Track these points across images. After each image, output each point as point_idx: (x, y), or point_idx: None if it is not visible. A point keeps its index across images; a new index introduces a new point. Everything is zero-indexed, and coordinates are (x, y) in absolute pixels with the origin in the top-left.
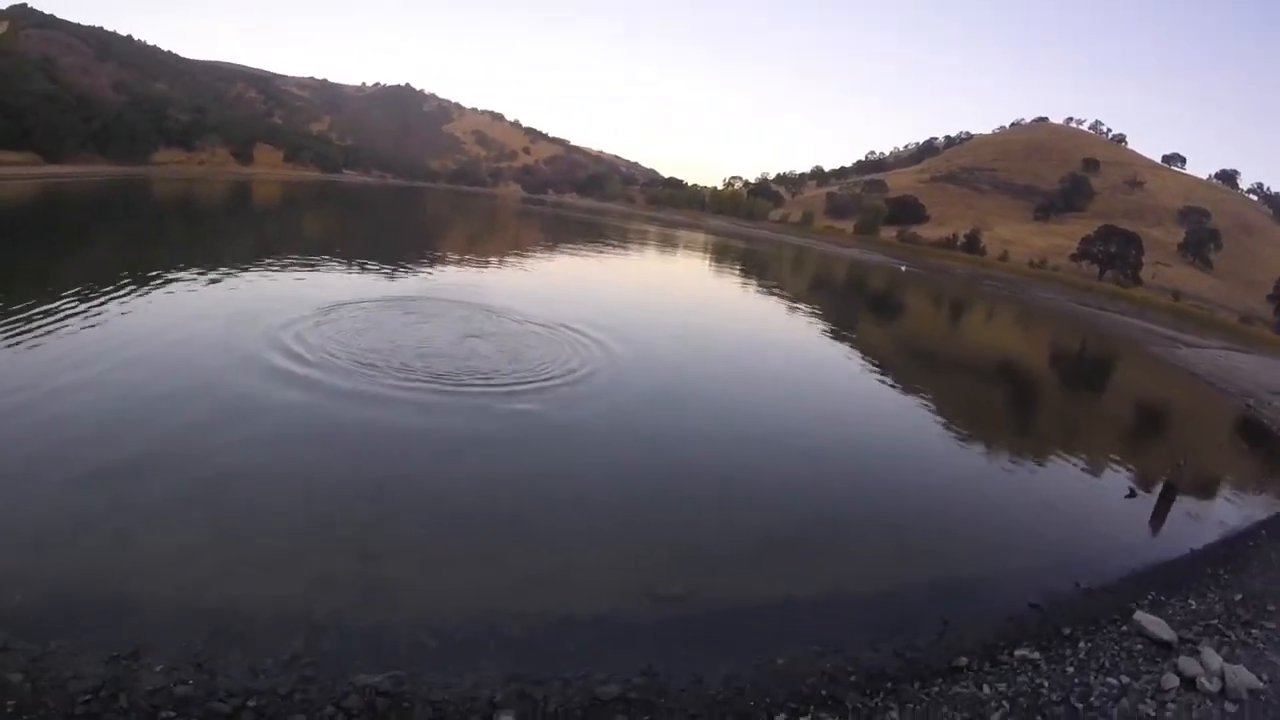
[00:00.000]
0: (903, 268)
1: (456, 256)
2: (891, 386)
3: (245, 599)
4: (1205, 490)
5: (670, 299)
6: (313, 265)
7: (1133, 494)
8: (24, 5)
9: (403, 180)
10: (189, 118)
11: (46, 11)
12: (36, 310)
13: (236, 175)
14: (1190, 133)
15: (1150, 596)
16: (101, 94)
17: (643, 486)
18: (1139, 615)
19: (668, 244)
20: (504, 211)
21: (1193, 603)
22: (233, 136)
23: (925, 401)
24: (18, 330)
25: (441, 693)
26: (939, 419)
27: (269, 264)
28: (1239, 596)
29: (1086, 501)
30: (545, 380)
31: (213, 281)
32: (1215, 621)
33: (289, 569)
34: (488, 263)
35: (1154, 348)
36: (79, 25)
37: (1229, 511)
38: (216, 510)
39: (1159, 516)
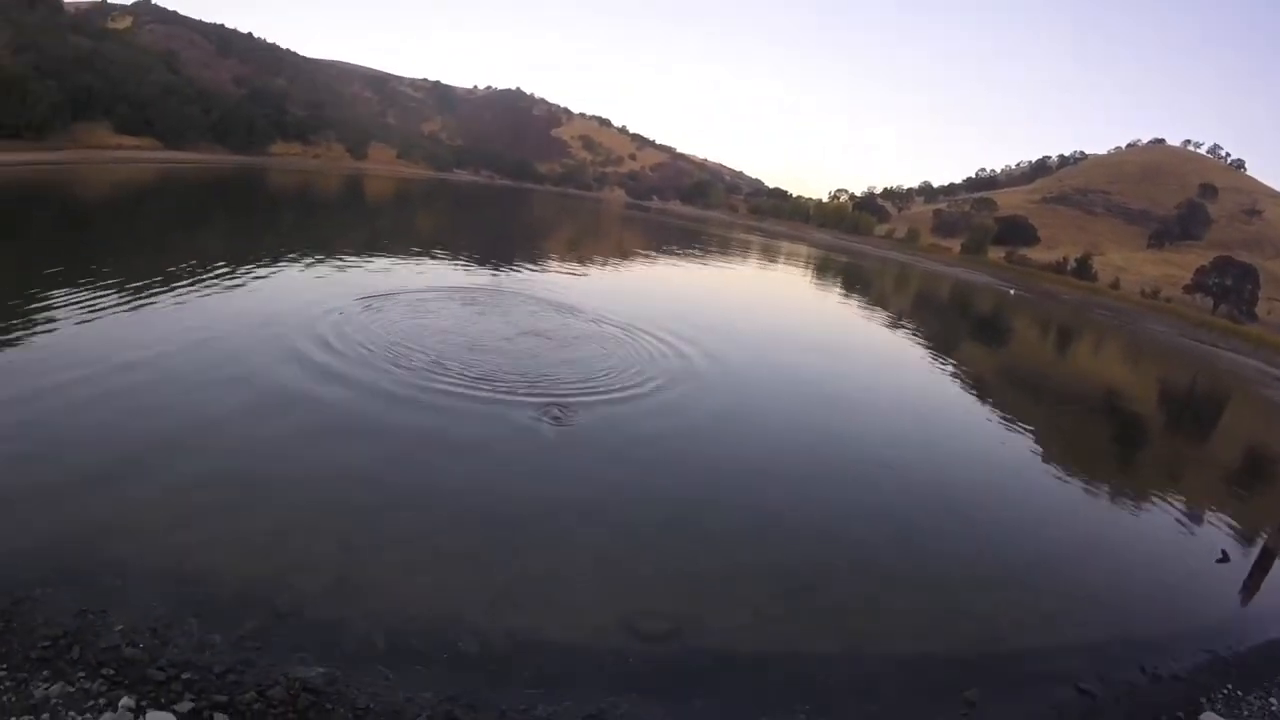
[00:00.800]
0: (1010, 291)
1: (549, 254)
2: (982, 414)
3: (221, 573)
4: None
5: (761, 308)
6: (403, 254)
7: (1225, 558)
8: (147, 2)
9: (510, 181)
10: (306, 113)
11: (169, 8)
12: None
13: (351, 170)
14: None
15: (1226, 690)
16: (222, 87)
17: (665, 509)
18: (1206, 716)
19: (768, 254)
20: (606, 216)
21: (1274, 702)
22: (348, 133)
23: (1015, 435)
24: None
25: (368, 700)
26: (1024, 456)
27: (373, 252)
28: None
29: (1170, 564)
30: (593, 388)
31: (307, 265)
32: None
33: (270, 549)
34: (578, 262)
35: (1266, 389)
36: (200, 22)
37: None
38: (217, 480)
39: (1252, 587)
